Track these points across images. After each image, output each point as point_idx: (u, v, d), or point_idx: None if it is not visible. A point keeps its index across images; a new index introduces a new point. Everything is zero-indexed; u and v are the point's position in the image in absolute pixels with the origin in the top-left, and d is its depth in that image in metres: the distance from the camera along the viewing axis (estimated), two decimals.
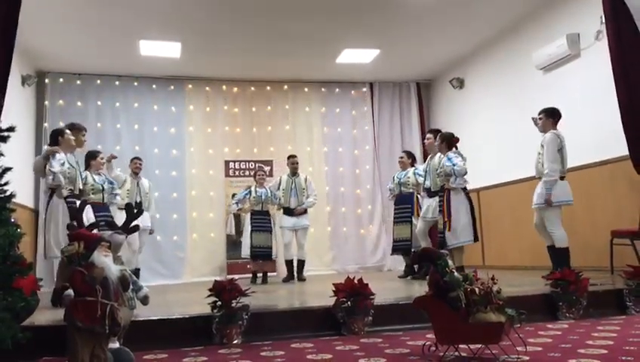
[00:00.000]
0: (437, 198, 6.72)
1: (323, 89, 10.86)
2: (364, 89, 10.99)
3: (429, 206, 6.96)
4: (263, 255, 7.97)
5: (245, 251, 8.06)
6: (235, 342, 3.74)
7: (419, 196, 7.58)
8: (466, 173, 6.39)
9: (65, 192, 5.26)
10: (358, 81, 10.89)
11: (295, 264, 8.05)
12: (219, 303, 3.80)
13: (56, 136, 5.45)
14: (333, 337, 3.89)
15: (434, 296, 3.01)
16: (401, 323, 4.07)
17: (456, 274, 2.96)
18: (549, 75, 7.78)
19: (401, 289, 6.18)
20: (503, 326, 2.88)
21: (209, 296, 3.85)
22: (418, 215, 7.34)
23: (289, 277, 8.00)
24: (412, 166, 7.86)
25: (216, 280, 4.00)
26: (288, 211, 8.11)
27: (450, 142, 6.62)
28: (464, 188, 6.47)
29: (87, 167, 6.51)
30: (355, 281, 4.06)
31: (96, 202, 6.23)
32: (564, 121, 6.43)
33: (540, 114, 6.16)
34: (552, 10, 7.68)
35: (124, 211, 5.93)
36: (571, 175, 6.19)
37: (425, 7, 7.68)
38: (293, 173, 8.27)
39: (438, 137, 6.79)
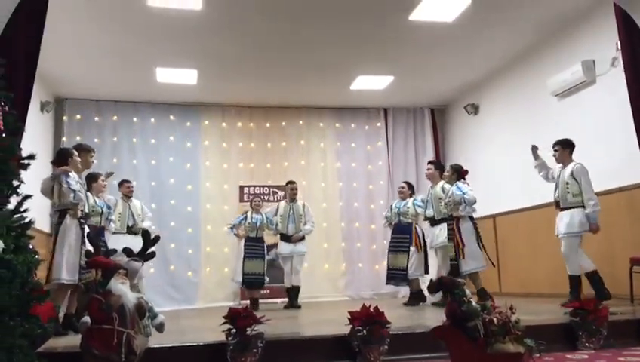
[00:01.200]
0: (441, 226, 7.17)
1: (337, 124, 10.90)
2: (379, 115, 11.00)
3: (433, 234, 7.40)
4: (254, 282, 7.93)
5: (236, 277, 8.05)
6: None
7: (417, 226, 7.71)
8: (475, 201, 6.73)
9: (78, 213, 5.19)
10: (372, 107, 10.93)
11: (291, 290, 8.07)
12: (233, 330, 3.78)
13: (66, 157, 5.38)
14: None
15: (452, 325, 2.98)
16: (417, 352, 4.01)
17: (474, 303, 2.93)
18: (564, 102, 7.76)
19: (416, 317, 6.11)
20: (521, 357, 2.84)
21: (223, 323, 3.83)
22: (417, 245, 7.57)
23: (290, 304, 7.95)
24: (411, 196, 7.91)
25: (230, 308, 3.98)
26: (286, 238, 8.11)
27: (459, 173, 7.00)
28: (471, 217, 6.81)
29: (88, 188, 6.27)
30: (371, 309, 4.02)
31: (95, 225, 6.11)
32: (580, 148, 6.40)
33: (555, 146, 6.31)
34: (567, 36, 7.68)
35: (115, 235, 5.92)
36: None
37: (438, 34, 7.73)
38: (292, 199, 8.27)
39: (449, 168, 7.16)
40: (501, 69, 9.11)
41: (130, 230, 7.70)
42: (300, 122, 10.80)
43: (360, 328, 3.95)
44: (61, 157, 5.42)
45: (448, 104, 11.01)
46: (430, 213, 7.45)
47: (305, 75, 9.09)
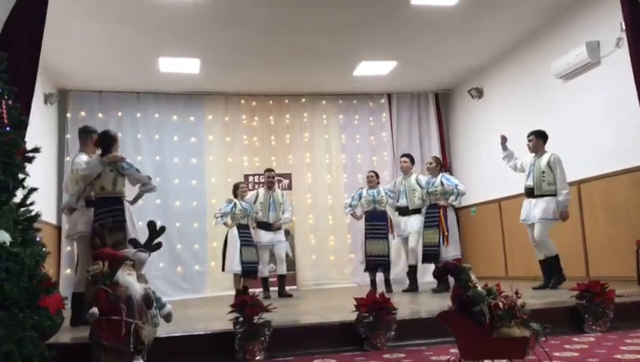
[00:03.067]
0: (415, 216, 7.57)
1: (340, 100, 10.87)
2: (382, 100, 10.98)
3: (405, 223, 7.68)
4: (252, 270, 7.68)
5: (234, 267, 7.64)
6: (257, 358, 3.75)
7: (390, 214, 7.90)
8: (465, 193, 7.34)
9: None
10: (375, 93, 10.90)
11: (278, 280, 8.07)
12: (241, 319, 3.81)
13: (111, 142, 5.20)
14: (356, 352, 3.87)
15: (457, 310, 2.99)
16: (424, 338, 4.04)
17: (479, 288, 2.93)
18: (569, 84, 7.71)
19: (422, 303, 6.14)
20: (527, 341, 2.85)
21: (231, 311, 3.86)
22: (392, 232, 7.80)
23: (267, 294, 7.78)
24: (378, 184, 8.00)
25: (237, 296, 4.01)
26: (265, 226, 8.02)
27: (442, 165, 7.71)
28: (453, 206, 7.30)
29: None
30: (377, 296, 4.04)
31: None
32: (585, 130, 6.38)
33: (529, 136, 6.59)
34: (571, 18, 7.62)
35: None
36: (593, 184, 6.15)
37: (441, 18, 7.68)
38: (270, 187, 8.22)
39: (432, 160, 7.63)
40: (505, 52, 9.05)
41: None
42: (305, 113, 10.77)
43: (366, 314, 3.97)
44: (106, 142, 5.20)
45: (452, 88, 10.96)
46: (404, 202, 7.74)
47: (308, 61, 9.06)
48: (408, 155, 8.06)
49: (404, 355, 3.66)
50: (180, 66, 8.94)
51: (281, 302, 6.40)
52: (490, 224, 9.40)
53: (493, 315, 2.88)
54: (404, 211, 7.74)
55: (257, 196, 8.18)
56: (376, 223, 7.72)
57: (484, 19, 7.80)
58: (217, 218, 7.88)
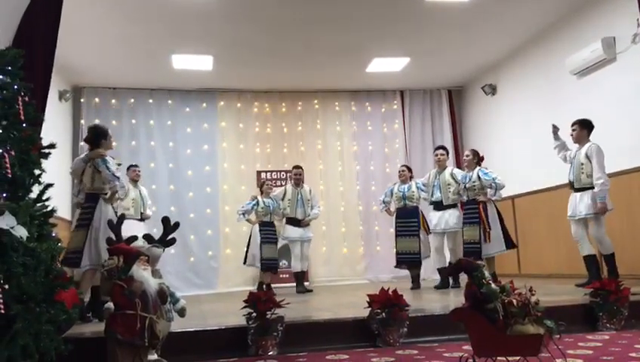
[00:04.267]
0: (450, 211, 7.32)
1: (354, 108, 10.87)
2: (395, 97, 10.95)
3: (440, 219, 7.39)
4: (272, 267, 7.90)
5: (254, 262, 7.91)
6: (270, 353, 3.77)
7: (422, 210, 7.66)
8: (504, 186, 6.89)
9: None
10: (388, 90, 10.87)
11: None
12: (254, 314, 3.83)
13: (100, 137, 5.14)
14: (368, 349, 3.88)
15: (471, 307, 2.98)
16: (436, 335, 4.04)
17: (493, 285, 2.92)
18: (584, 80, 7.64)
19: (435, 299, 6.13)
20: (541, 338, 2.83)
21: (244, 307, 3.88)
22: (425, 228, 7.54)
23: (302, 289, 7.94)
24: (411, 179, 7.79)
25: (251, 292, 4.03)
26: (294, 222, 8.10)
27: (479, 158, 7.14)
28: (493, 200, 6.92)
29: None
30: (390, 292, 4.05)
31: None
32: (601, 126, 6.32)
33: (573, 125, 6.22)
34: (586, 13, 7.55)
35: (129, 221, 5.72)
36: (609, 180, 6.07)
37: (455, 15, 7.64)
38: (297, 183, 8.25)
39: (469, 152, 7.23)
40: (519, 49, 8.99)
41: (142, 216, 7.74)
42: (316, 106, 10.79)
43: (379, 311, 3.98)
44: (95, 137, 5.15)
45: (465, 85, 10.91)
46: (438, 197, 7.43)
47: (321, 58, 9.05)
48: (444, 147, 7.78)
49: (416, 352, 3.66)
50: (193, 63, 9.00)
51: (294, 298, 6.41)
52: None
53: (507, 312, 2.87)
54: (438, 206, 7.45)
55: (285, 192, 8.25)
56: (407, 220, 7.58)
57: (497, 15, 7.75)
58: (240, 215, 8.03)
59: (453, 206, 7.36)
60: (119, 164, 7.18)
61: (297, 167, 8.49)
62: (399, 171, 7.97)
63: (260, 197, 8.05)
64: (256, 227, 7.97)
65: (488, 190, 6.81)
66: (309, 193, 8.24)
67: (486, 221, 6.76)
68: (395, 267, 7.91)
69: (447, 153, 7.73)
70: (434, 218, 7.50)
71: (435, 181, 7.53)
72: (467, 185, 6.99)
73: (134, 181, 7.86)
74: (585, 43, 7.37)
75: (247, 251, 8.10)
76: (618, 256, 6.02)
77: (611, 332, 4.15)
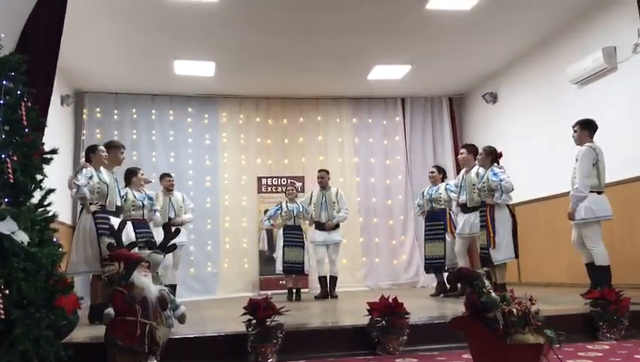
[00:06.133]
0: (475, 214, 6.67)
1: (354, 119, 10.89)
2: (396, 105, 10.97)
3: (465, 222, 6.86)
4: (296, 270, 7.93)
5: (279, 267, 8.02)
6: (270, 360, 3.75)
7: (451, 213, 7.44)
8: (512, 188, 6.33)
9: (93, 208, 5.25)
10: (389, 97, 10.89)
11: (328, 281, 8.00)
12: (254, 321, 3.82)
13: (88, 153, 5.55)
14: (368, 357, 3.87)
15: (471, 316, 2.98)
16: (436, 343, 4.03)
17: (493, 294, 2.92)
18: (584, 90, 7.66)
19: (435, 307, 6.12)
20: (541, 348, 2.83)
21: (244, 313, 3.88)
22: (451, 232, 7.30)
23: (322, 294, 7.94)
24: (442, 181, 7.66)
25: (251, 298, 4.02)
26: (319, 226, 8.06)
27: (494, 156, 6.57)
28: (507, 204, 6.43)
29: (128, 183, 6.51)
30: (390, 300, 4.04)
31: (137, 219, 6.23)
32: (601, 136, 6.32)
33: (574, 126, 6.01)
34: (587, 23, 7.57)
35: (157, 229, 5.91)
36: (610, 190, 6.05)
37: (456, 23, 7.67)
38: (323, 187, 8.22)
39: (482, 150, 6.68)
40: (520, 57, 9.01)
41: (171, 222, 7.60)
42: (319, 118, 10.80)
43: (379, 319, 3.97)
44: (86, 154, 5.60)
45: (466, 93, 10.93)
46: (463, 198, 6.92)
47: (322, 65, 9.08)
48: (467, 145, 7.35)
49: (416, 360, 3.65)
50: (195, 69, 9.02)
51: (294, 305, 6.41)
52: None
53: (507, 321, 2.87)
54: (464, 208, 6.91)
55: (312, 196, 8.26)
56: (433, 223, 7.51)
57: (498, 24, 7.77)
58: (264, 221, 8.32)
59: (478, 208, 6.68)
60: (148, 181, 7.30)
61: (322, 170, 8.43)
62: (429, 173, 7.90)
63: (284, 203, 8.18)
64: (281, 232, 8.10)
65: (495, 192, 6.31)
66: (334, 196, 8.13)
67: (491, 225, 6.28)
68: (426, 273, 7.88)
69: (473, 151, 7.05)
70: (460, 221, 7.00)
71: (462, 182, 7.04)
72: (478, 186, 6.57)
73: (168, 190, 7.96)
74: (586, 52, 7.38)
75: (276, 258, 8.24)
76: (619, 266, 6.00)
77: (611, 341, 4.14)
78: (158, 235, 5.99)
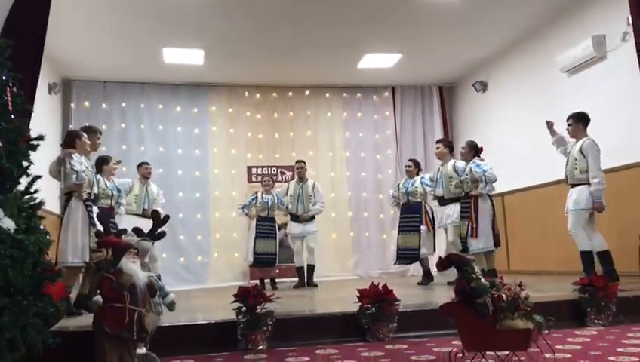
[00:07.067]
0: (453, 206, 7.10)
1: (344, 94, 10.85)
2: (386, 93, 10.95)
3: (442, 214, 7.30)
4: (265, 261, 7.94)
5: (248, 257, 8.05)
6: (260, 347, 3.76)
7: (426, 205, 7.59)
8: (496, 179, 6.65)
9: (84, 195, 5.11)
10: (379, 86, 10.86)
11: (305, 269, 8.06)
12: (244, 309, 3.82)
13: (74, 139, 5.33)
14: (358, 343, 3.88)
15: (461, 302, 2.99)
16: (426, 330, 4.05)
17: (483, 280, 2.93)
18: (574, 78, 7.68)
19: (424, 295, 6.15)
20: (530, 333, 2.85)
21: (234, 301, 3.87)
22: (427, 224, 7.45)
23: (300, 284, 7.98)
24: (417, 174, 7.75)
25: (241, 286, 4.02)
26: (295, 218, 8.10)
27: (476, 150, 6.88)
28: (489, 195, 6.69)
29: (99, 171, 6.29)
30: (380, 287, 4.05)
31: (105, 207, 6.09)
32: (591, 124, 6.34)
33: (568, 119, 6.10)
34: (576, 12, 7.58)
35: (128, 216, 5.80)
36: None
37: (447, 11, 7.64)
38: (300, 178, 8.23)
39: (465, 144, 7.03)
40: (510, 46, 9.01)
41: (145, 213, 7.49)
42: (308, 112, 10.75)
43: (369, 306, 3.98)
44: (69, 139, 5.37)
45: (456, 82, 10.93)
46: (440, 192, 7.34)
47: (312, 54, 9.03)
48: (442, 140, 7.70)
49: (406, 346, 3.66)
50: (184, 57, 8.94)
51: (284, 293, 6.41)
52: None
53: (497, 307, 2.88)
54: (441, 200, 7.37)
55: (288, 188, 8.26)
56: (408, 215, 7.56)
57: (489, 13, 7.76)
58: (239, 209, 8.26)
59: (456, 200, 7.13)
60: (118, 162, 7.20)
61: (298, 161, 8.47)
62: (405, 166, 7.96)
63: (259, 193, 8.14)
64: (254, 222, 8.06)
65: (479, 183, 6.59)
66: (311, 188, 8.16)
67: (474, 216, 6.58)
68: (394, 264, 7.92)
69: (448, 145, 7.56)
70: (438, 213, 7.44)
71: (438, 175, 7.42)
72: (462, 178, 6.88)
73: (145, 178, 7.80)
74: (575, 41, 7.40)
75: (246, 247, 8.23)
76: None
77: (599, 327, 4.18)
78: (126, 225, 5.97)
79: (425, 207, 7.55)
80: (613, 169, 6.77)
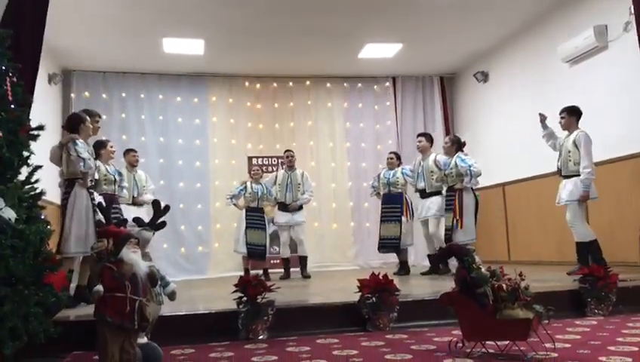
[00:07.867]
0: (434, 198, 7.31)
1: (345, 84, 10.82)
2: (387, 84, 10.93)
3: (422, 207, 7.46)
4: (257, 253, 7.84)
5: (240, 248, 7.91)
6: (260, 337, 3.78)
7: (406, 196, 7.67)
8: (480, 173, 6.77)
9: (88, 182, 4.95)
10: (380, 76, 10.83)
11: (299, 261, 8.06)
12: (244, 299, 3.83)
13: (78, 123, 5.06)
14: (358, 333, 3.89)
15: (461, 292, 3.00)
16: (426, 319, 4.07)
17: (483, 270, 2.94)
18: (576, 68, 7.65)
19: (425, 285, 6.16)
20: (530, 323, 2.86)
21: (234, 291, 3.88)
22: (407, 214, 7.55)
23: (286, 275, 7.91)
24: (399, 166, 7.80)
25: (241, 276, 4.03)
26: (283, 207, 8.04)
27: (459, 145, 7.03)
28: (472, 189, 6.81)
29: (97, 156, 5.84)
30: (380, 277, 4.06)
31: (110, 193, 5.99)
32: (591, 114, 6.34)
33: (561, 113, 6.20)
34: (578, 1, 7.54)
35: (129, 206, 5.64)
36: (598, 169, 6.11)
37: (448, 1, 7.60)
38: (290, 167, 8.19)
39: (448, 139, 7.20)
40: (511, 36, 8.97)
41: (135, 201, 7.35)
42: (309, 102, 10.72)
43: (369, 296, 3.99)
44: (72, 124, 5.09)
45: (458, 72, 10.89)
46: (422, 185, 7.50)
47: (312, 43, 8.99)
48: (425, 134, 7.80)
49: (406, 336, 3.67)
50: (185, 47, 8.91)
51: (285, 283, 6.43)
52: (494, 208, 9.37)
53: (497, 297, 2.89)
54: (422, 193, 7.52)
55: (277, 177, 8.22)
56: (390, 206, 7.63)
57: (490, 2, 7.72)
58: (228, 199, 8.09)
59: (437, 193, 7.33)
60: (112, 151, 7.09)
61: (288, 150, 8.45)
62: (387, 158, 8.01)
63: (248, 183, 8.04)
64: (244, 213, 7.96)
65: (465, 177, 6.68)
66: (300, 177, 8.12)
67: (459, 209, 6.67)
68: (379, 252, 8.00)
69: (430, 140, 7.69)
70: (418, 205, 7.58)
71: (419, 168, 7.58)
72: (446, 172, 6.97)
73: (132, 166, 7.59)
74: (577, 31, 7.36)
75: (236, 238, 8.12)
76: (607, 244, 6.06)
77: (599, 317, 4.19)
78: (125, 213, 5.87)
79: (405, 198, 7.65)
80: (613, 159, 6.78)
